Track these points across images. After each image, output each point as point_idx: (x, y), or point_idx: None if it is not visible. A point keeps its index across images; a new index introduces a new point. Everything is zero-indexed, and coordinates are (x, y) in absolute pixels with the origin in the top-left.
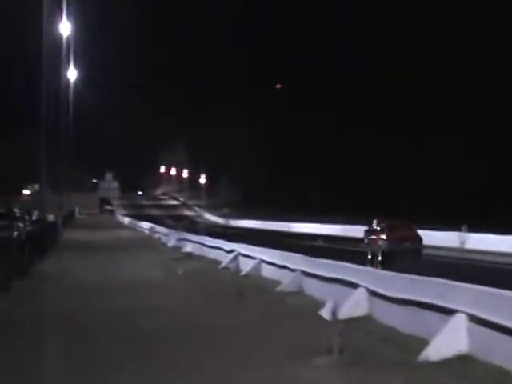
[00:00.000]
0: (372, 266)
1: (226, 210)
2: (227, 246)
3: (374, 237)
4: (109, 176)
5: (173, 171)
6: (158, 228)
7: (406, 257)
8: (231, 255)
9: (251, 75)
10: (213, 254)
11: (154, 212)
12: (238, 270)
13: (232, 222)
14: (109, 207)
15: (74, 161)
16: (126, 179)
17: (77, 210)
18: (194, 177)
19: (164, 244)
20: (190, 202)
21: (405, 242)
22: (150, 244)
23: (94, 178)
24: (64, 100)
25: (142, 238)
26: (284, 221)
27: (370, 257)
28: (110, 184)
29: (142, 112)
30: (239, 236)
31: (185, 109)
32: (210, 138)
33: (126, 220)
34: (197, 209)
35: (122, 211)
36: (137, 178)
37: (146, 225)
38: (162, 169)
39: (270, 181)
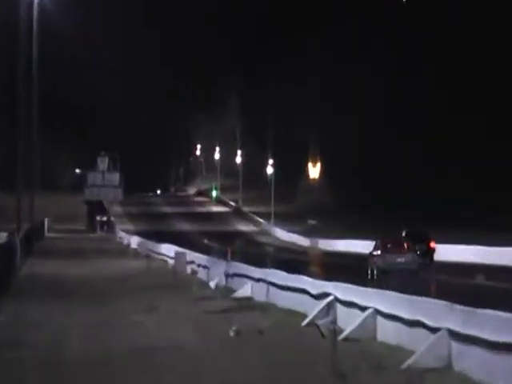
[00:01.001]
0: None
1: (311, 223)
2: (315, 285)
3: (374, 253)
4: (103, 162)
5: (216, 155)
6: (192, 255)
7: (400, 273)
8: (322, 302)
9: None
10: (289, 301)
11: (184, 226)
12: (336, 330)
13: (323, 242)
14: (104, 218)
15: (44, 138)
16: (135, 169)
17: (47, 223)
18: (253, 164)
19: (203, 283)
20: (247, 209)
21: (398, 259)
22: (177, 284)
23: (78, 167)
24: (26, 33)
25: (163, 274)
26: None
27: (369, 275)
28: (105, 177)
29: (162, 58)
30: (337, 268)
31: (240, 60)
32: (281, 103)
33: (135, 241)
34: (260, 220)
35: (128, 225)
36: (154, 168)
37: (169, 249)
38: (198, 151)
39: (381, 177)
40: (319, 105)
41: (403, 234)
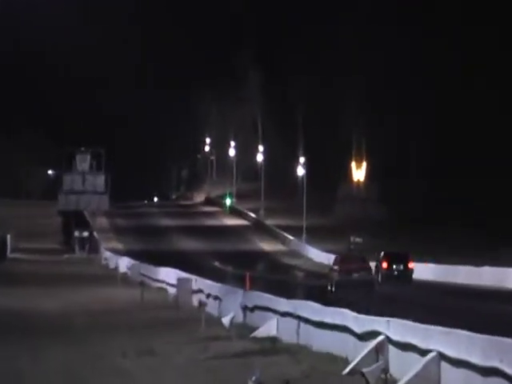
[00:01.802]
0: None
1: (356, 241)
2: (360, 321)
3: (333, 268)
4: (84, 160)
5: (231, 151)
6: (199, 282)
7: (356, 288)
8: (370, 344)
9: None
10: (326, 342)
11: (190, 244)
12: (387, 380)
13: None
14: (84, 234)
15: (6, 131)
16: (125, 170)
17: (9, 240)
18: (279, 164)
19: (213, 319)
20: (272, 222)
21: (354, 274)
22: (179, 319)
23: (51, 168)
24: None
25: (161, 306)
26: (497, 263)
27: (329, 288)
28: (86, 180)
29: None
30: (388, 300)
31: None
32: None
33: (125, 263)
34: (288, 237)
35: (116, 243)
36: (149, 169)
37: (170, 274)
38: (207, 146)
39: (450, 182)
40: (366, 85)
41: (381, 255)
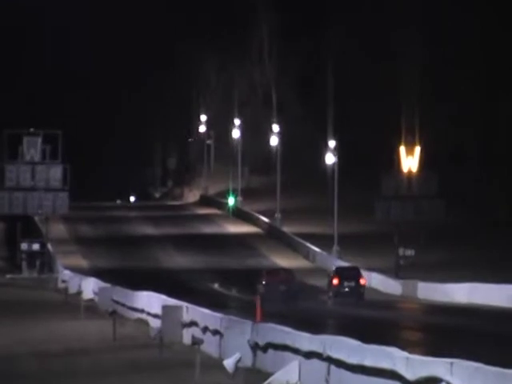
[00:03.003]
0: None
1: (406, 254)
2: (412, 364)
3: (260, 281)
4: (33, 145)
5: (235, 133)
6: (193, 311)
7: (282, 300)
8: None
9: None
10: None
11: (179, 260)
12: None
13: (426, 288)
14: (35, 246)
15: None
16: (91, 159)
17: None
18: (300, 150)
19: (212, 361)
20: (291, 229)
21: (280, 286)
22: (166, 363)
23: None
24: None
25: (140, 345)
26: None
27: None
28: (36, 172)
29: None
30: (451, 334)
31: None
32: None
33: (90, 286)
34: (313, 249)
35: (78, 259)
36: (124, 157)
37: (152, 301)
38: (203, 126)
39: None
40: (420, 40)
41: (332, 269)
